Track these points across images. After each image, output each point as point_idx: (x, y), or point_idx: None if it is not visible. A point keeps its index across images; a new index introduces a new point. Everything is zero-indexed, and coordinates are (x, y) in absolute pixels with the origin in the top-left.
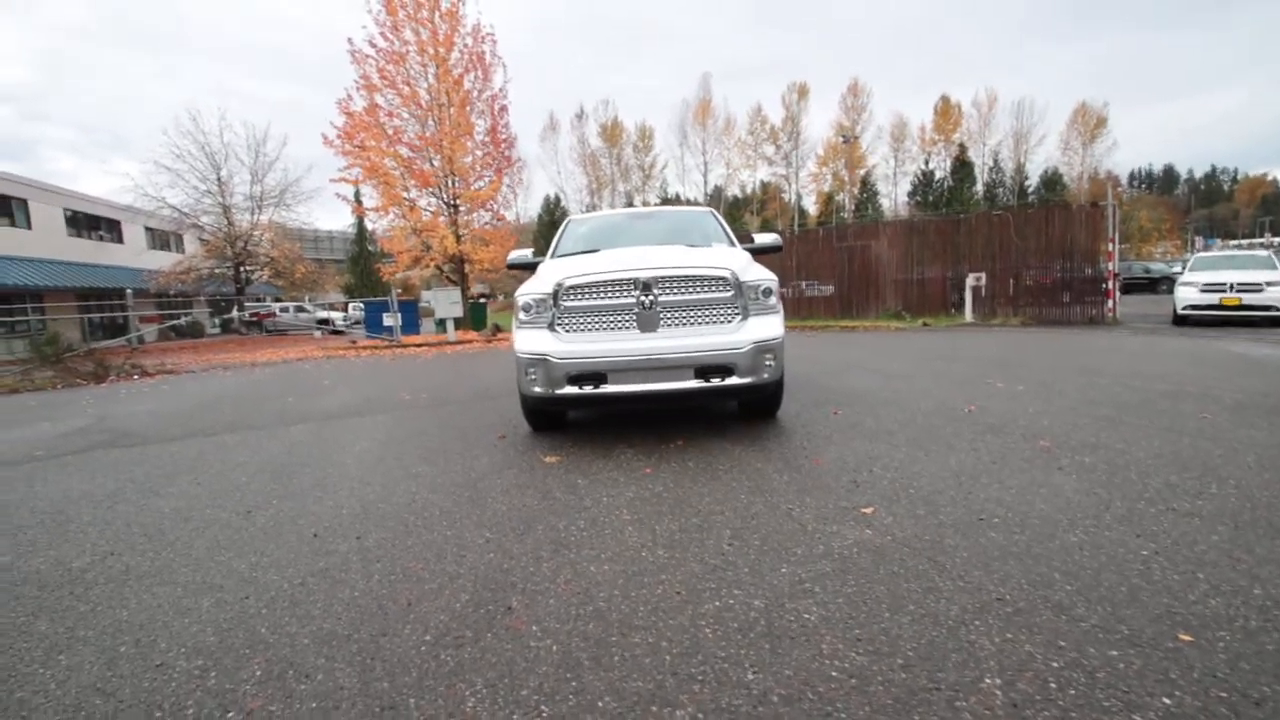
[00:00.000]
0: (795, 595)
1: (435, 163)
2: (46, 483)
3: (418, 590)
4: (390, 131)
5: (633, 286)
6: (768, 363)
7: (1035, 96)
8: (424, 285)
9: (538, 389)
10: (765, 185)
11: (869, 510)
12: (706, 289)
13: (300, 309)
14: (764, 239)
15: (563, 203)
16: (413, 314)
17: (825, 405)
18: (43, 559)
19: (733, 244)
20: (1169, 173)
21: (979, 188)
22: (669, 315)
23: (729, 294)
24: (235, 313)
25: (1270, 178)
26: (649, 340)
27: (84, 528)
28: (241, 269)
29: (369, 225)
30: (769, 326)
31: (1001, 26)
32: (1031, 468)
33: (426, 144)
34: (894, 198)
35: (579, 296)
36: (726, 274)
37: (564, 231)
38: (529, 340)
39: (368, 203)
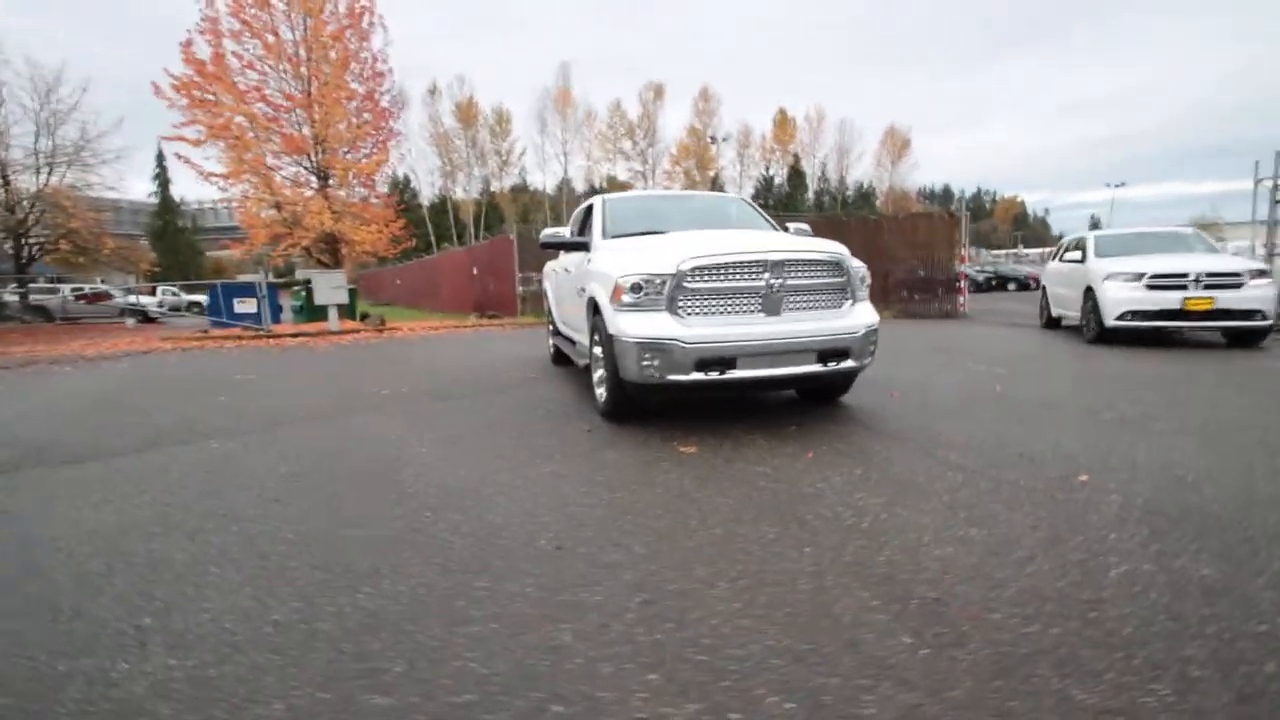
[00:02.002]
0: (1173, 554)
1: (306, 129)
2: (32, 515)
3: (795, 597)
4: (245, 86)
5: (761, 269)
6: (871, 348)
7: (855, 117)
8: (239, 267)
9: (656, 375)
10: (611, 180)
11: (1085, 478)
12: (825, 273)
13: (99, 293)
14: (799, 227)
15: (413, 184)
16: (275, 300)
17: (861, 389)
18: (226, 609)
19: (776, 230)
20: (947, 191)
21: (810, 195)
22: (791, 299)
23: (842, 279)
24: (7, 296)
25: (1019, 199)
26: (775, 324)
27: (211, 566)
28: (23, 242)
29: (217, 193)
30: (872, 312)
31: (831, 50)
32: (1142, 436)
33: (296, 104)
34: None
35: (706, 278)
36: (840, 259)
37: (605, 211)
38: (642, 324)
39: (212, 167)
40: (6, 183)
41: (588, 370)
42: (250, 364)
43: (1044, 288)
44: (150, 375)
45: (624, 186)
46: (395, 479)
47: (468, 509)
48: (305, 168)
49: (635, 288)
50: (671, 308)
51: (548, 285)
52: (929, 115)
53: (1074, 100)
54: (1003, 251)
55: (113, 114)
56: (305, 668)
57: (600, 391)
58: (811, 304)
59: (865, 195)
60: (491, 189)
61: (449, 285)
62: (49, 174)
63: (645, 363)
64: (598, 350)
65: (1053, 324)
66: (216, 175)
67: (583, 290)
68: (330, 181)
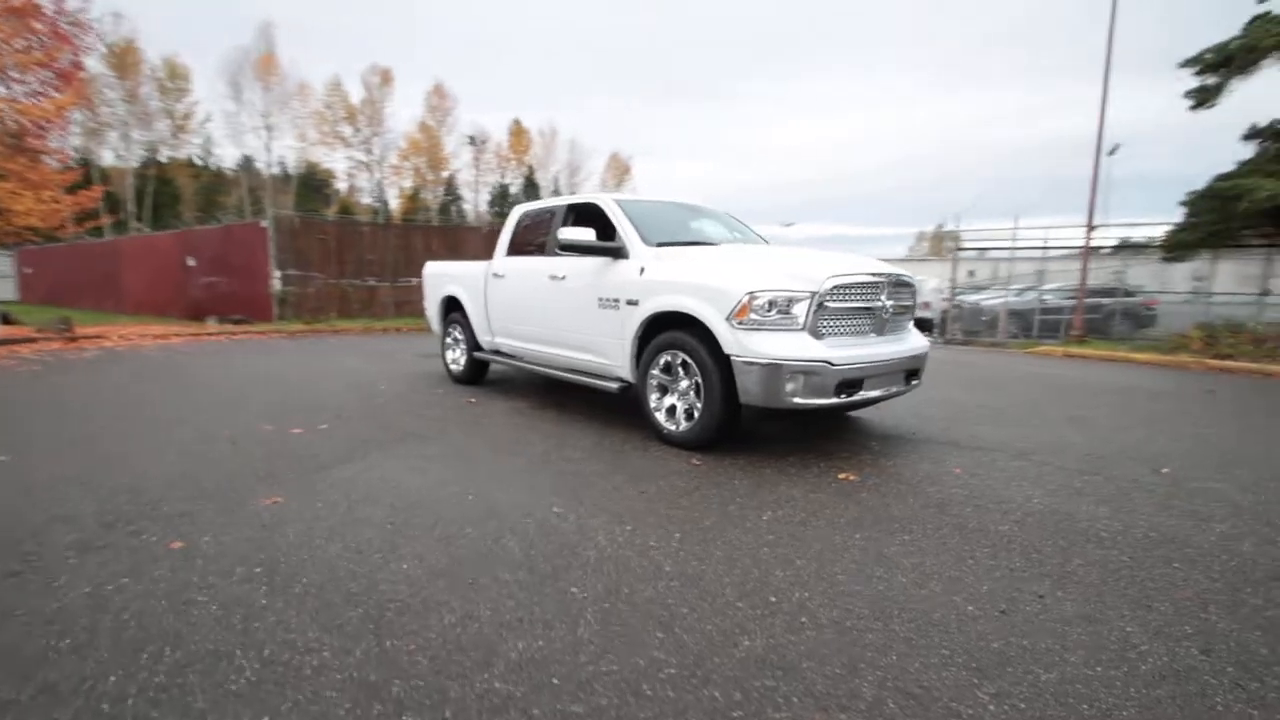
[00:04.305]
0: None
1: None
2: None
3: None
4: None
5: (880, 289)
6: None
7: (585, 139)
8: None
9: (799, 399)
10: (312, 166)
11: (1167, 470)
12: (909, 295)
13: None
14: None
15: None
16: None
17: None
18: None
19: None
20: None
21: None
22: (892, 319)
23: (914, 301)
24: None
25: None
26: (885, 344)
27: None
28: None
29: None
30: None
31: (559, 72)
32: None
33: None
34: (475, 204)
35: (844, 297)
36: (915, 281)
37: (625, 213)
38: (782, 344)
39: None
40: None
41: (630, 392)
42: None
43: None
44: None
45: (328, 175)
46: (599, 564)
47: (809, 584)
48: None
49: (769, 305)
50: (813, 328)
51: (458, 291)
52: (647, 143)
53: (762, 145)
54: None
55: None
56: None
57: (660, 418)
58: (899, 325)
59: None
60: (160, 159)
61: (140, 280)
62: None
63: (790, 384)
64: (656, 371)
65: None
66: None
67: (626, 301)
68: None
